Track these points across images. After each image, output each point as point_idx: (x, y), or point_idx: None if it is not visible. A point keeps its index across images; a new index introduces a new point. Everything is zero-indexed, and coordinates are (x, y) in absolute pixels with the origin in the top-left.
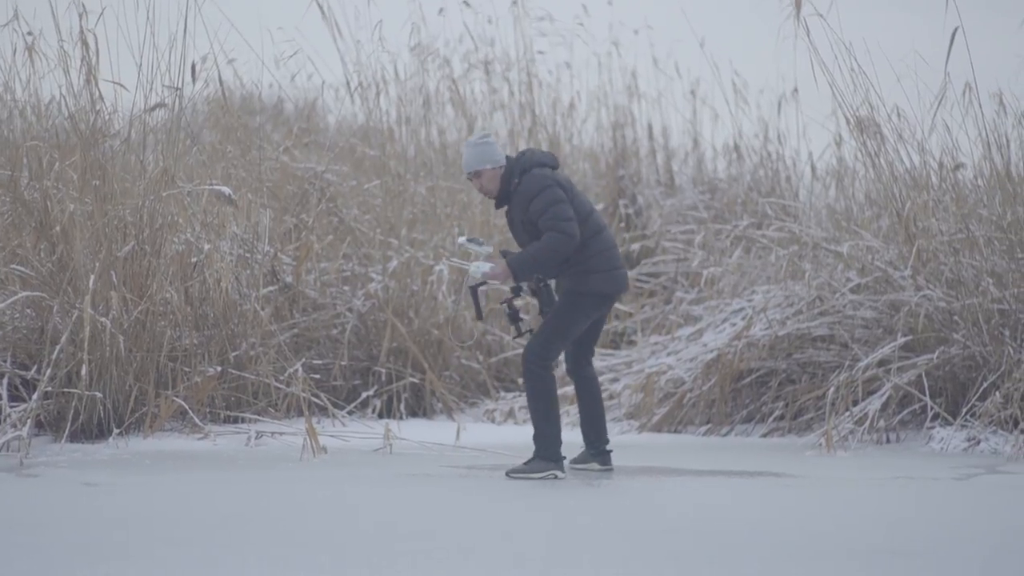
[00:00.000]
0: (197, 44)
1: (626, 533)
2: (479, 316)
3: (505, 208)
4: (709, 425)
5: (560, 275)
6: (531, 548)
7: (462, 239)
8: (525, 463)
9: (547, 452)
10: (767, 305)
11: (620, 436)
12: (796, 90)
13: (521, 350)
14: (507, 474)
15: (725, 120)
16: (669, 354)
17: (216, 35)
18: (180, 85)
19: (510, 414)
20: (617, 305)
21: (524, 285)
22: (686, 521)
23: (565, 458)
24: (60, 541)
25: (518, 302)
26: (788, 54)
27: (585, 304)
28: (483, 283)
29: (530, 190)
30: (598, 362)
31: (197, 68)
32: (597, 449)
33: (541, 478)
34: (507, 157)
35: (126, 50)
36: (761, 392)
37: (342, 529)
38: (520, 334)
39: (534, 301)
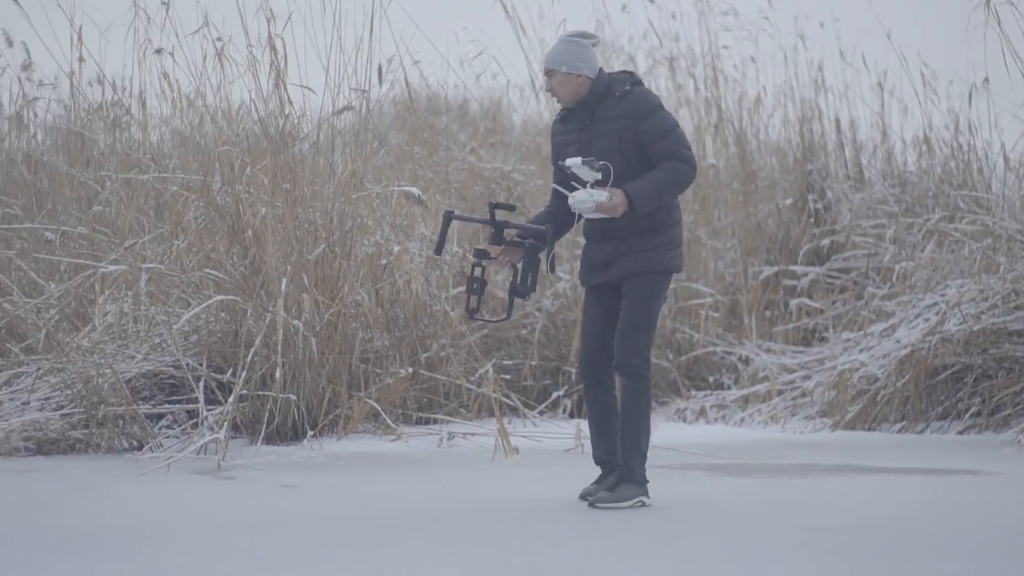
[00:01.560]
0: (383, 46)
1: (825, 530)
2: (438, 251)
3: (573, 121)
4: (903, 422)
5: (629, 246)
6: (736, 546)
7: (575, 160)
8: (611, 489)
9: (639, 475)
10: (961, 300)
11: (813, 434)
12: (987, 80)
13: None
14: (591, 505)
15: (914, 112)
16: (862, 350)
17: (401, 37)
18: (367, 87)
19: (701, 413)
20: (808, 301)
21: (491, 249)
22: (883, 520)
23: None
24: (258, 542)
25: (487, 263)
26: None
27: (667, 283)
28: (497, 206)
29: (646, 106)
30: (788, 359)
31: (383, 70)
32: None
33: (630, 506)
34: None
35: (313, 54)
36: (957, 388)
37: (535, 529)
38: (472, 311)
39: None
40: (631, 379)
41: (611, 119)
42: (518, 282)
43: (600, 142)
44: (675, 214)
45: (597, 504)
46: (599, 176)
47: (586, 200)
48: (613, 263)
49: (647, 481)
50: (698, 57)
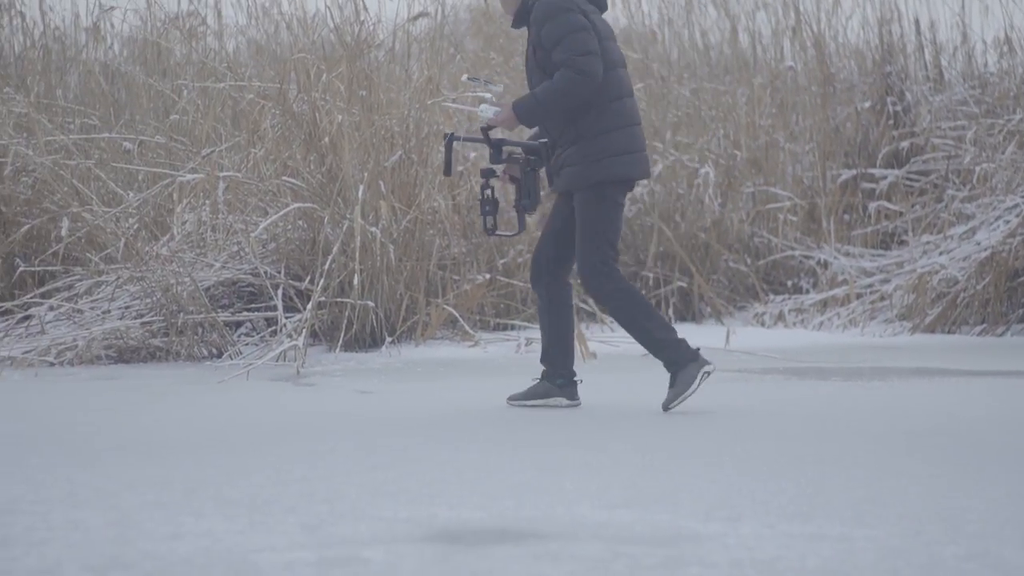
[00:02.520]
0: None
1: (900, 432)
2: (447, 171)
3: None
4: (984, 325)
5: (564, 157)
6: (809, 449)
7: (465, 77)
8: (673, 387)
9: (681, 357)
10: None
11: (892, 338)
12: None
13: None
14: (665, 408)
15: (996, 12)
16: (941, 253)
17: None
18: None
19: (780, 317)
20: (887, 204)
21: (496, 167)
22: (963, 421)
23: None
24: (340, 447)
25: (494, 182)
26: None
27: (615, 193)
28: (489, 129)
29: (543, 14)
30: (867, 263)
31: None
32: (567, 378)
33: (698, 385)
34: None
35: None
36: None
37: (610, 430)
38: (489, 231)
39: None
40: (596, 299)
41: (530, 33)
42: (521, 197)
43: (528, 54)
44: (604, 122)
45: (668, 407)
46: (498, 90)
47: (484, 113)
48: (556, 175)
49: (692, 353)
50: None
